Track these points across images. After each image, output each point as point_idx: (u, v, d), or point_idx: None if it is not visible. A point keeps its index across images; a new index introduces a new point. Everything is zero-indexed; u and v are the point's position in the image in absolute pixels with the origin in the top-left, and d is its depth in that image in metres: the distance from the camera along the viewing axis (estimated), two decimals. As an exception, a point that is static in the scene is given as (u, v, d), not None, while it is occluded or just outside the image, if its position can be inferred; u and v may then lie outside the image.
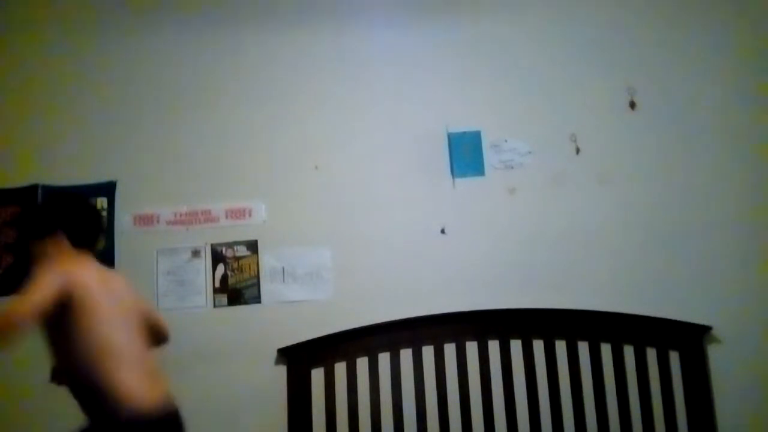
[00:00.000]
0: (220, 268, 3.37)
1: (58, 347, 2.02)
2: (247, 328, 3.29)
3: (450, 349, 3.22)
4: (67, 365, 2.03)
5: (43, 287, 1.89)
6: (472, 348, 3.22)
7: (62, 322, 1.95)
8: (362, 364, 3.22)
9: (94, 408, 1.98)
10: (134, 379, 1.99)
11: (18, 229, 2.24)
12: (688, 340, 3.16)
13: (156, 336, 2.35)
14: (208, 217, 3.42)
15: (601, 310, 3.20)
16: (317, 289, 3.33)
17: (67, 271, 2.01)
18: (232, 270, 3.37)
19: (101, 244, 2.33)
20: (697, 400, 3.11)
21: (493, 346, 3.21)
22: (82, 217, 2.24)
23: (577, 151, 3.42)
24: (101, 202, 3.44)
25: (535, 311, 3.22)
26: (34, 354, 2.16)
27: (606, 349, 3.20)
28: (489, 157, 3.43)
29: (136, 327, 2.15)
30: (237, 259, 3.38)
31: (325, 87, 3.52)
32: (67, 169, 3.48)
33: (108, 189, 3.46)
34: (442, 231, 3.37)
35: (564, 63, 3.49)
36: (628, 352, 3.19)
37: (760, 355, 3.16)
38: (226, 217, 3.42)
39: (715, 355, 3.17)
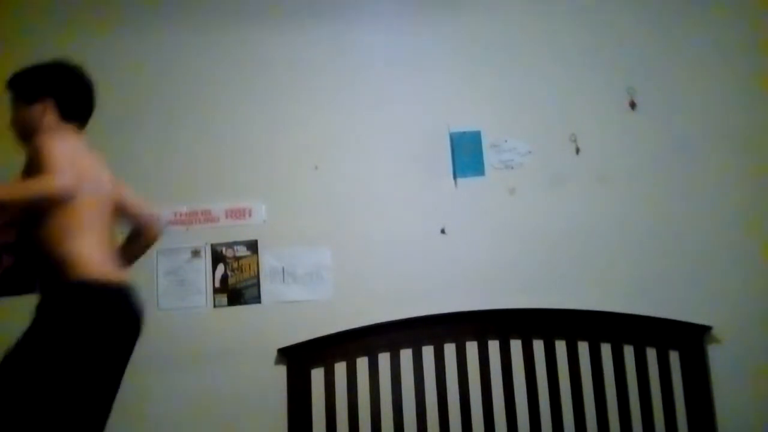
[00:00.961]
0: (220, 268, 3.37)
1: (25, 218, 1.96)
2: (247, 328, 3.29)
3: (450, 349, 3.23)
4: (26, 233, 1.98)
5: (61, 156, 1.81)
6: (472, 348, 3.22)
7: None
8: (362, 364, 3.22)
9: (48, 276, 1.93)
10: (95, 253, 1.94)
11: (7, 87, 2.13)
12: (688, 340, 3.17)
13: (138, 228, 2.29)
14: (208, 217, 3.42)
15: (601, 310, 3.20)
16: (317, 289, 3.33)
17: (64, 145, 1.90)
18: (232, 270, 3.37)
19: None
20: (697, 400, 3.11)
21: (493, 346, 3.21)
22: (76, 86, 2.11)
23: (577, 151, 3.42)
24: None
25: (535, 311, 3.22)
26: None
27: (606, 349, 3.20)
28: (489, 157, 3.43)
29: (107, 213, 2.08)
30: (237, 259, 3.38)
31: (326, 87, 3.52)
32: (67, 169, 3.48)
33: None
34: (443, 231, 3.37)
35: (564, 63, 3.49)
36: (628, 352, 3.19)
37: (760, 355, 3.16)
38: (226, 217, 3.42)
39: (715, 355, 3.17)
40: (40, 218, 1.91)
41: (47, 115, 2.04)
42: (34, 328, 1.87)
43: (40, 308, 1.92)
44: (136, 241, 2.33)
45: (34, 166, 1.86)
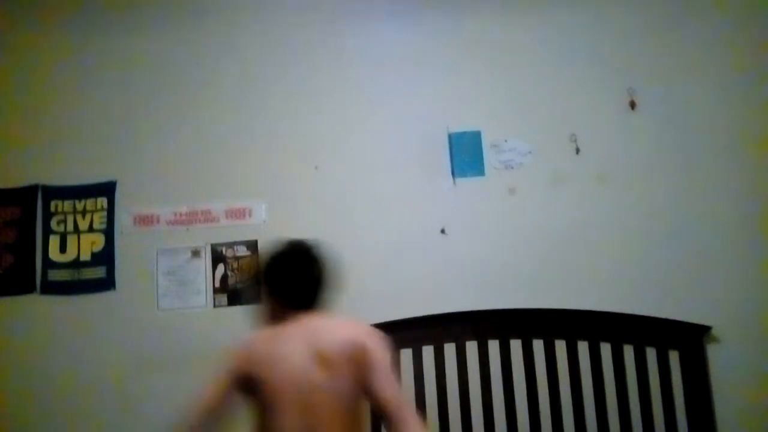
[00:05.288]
0: (220, 268, 3.37)
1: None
2: (247, 328, 3.28)
3: (450, 349, 3.22)
4: None
5: (214, 379, 1.77)
6: (472, 348, 3.22)
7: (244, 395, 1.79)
8: (362, 364, 3.21)
9: None
10: None
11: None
12: (687, 340, 3.17)
13: (384, 419, 1.87)
14: (208, 217, 3.42)
15: (601, 310, 3.20)
16: (317, 289, 3.32)
17: (244, 346, 1.83)
18: (232, 270, 3.37)
19: (323, 301, 2.00)
20: (697, 400, 3.11)
21: (493, 346, 3.21)
22: (277, 267, 1.95)
23: (577, 151, 3.42)
24: (101, 202, 3.45)
25: (535, 311, 3.22)
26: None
27: (606, 349, 3.20)
28: (489, 157, 3.43)
29: (325, 407, 1.77)
30: (237, 259, 3.38)
31: (326, 87, 3.52)
32: (67, 169, 3.48)
33: (108, 189, 3.46)
34: (442, 231, 3.37)
35: (564, 63, 3.49)
36: (628, 352, 3.19)
37: (760, 355, 3.16)
38: (226, 217, 3.42)
39: (714, 355, 3.17)
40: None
41: (268, 305, 1.96)
42: None
43: None
44: None
45: None
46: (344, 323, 1.93)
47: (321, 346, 1.81)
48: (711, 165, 3.35)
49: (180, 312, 3.31)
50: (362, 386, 1.81)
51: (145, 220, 3.42)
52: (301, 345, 1.81)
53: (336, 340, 1.83)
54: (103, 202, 3.45)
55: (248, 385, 1.77)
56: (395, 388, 1.84)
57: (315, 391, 1.77)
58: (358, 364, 1.81)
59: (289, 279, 1.93)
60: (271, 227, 3.40)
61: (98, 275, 3.39)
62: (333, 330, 1.88)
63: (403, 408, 1.84)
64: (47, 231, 3.45)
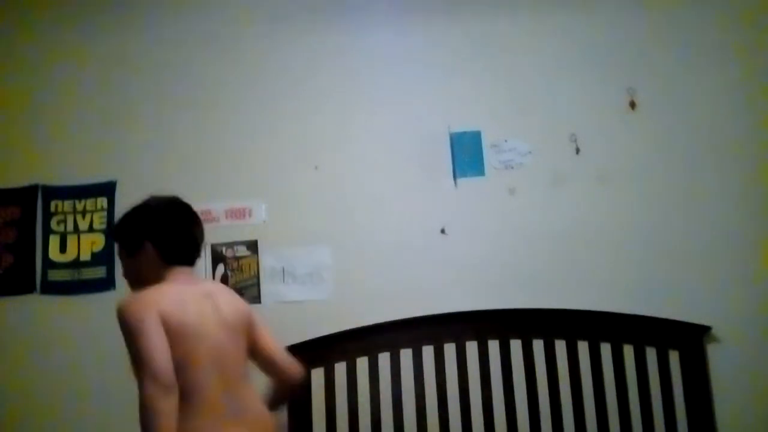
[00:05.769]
0: (220, 268, 3.38)
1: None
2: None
3: (450, 349, 3.22)
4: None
5: (149, 337, 1.70)
6: (472, 348, 3.22)
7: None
8: (362, 364, 3.22)
9: None
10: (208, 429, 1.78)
11: (115, 239, 2.06)
12: (687, 340, 3.17)
13: (274, 374, 2.11)
14: (208, 217, 3.41)
15: (601, 310, 3.20)
16: (317, 289, 3.33)
17: (153, 299, 1.80)
18: (232, 270, 3.37)
19: (198, 258, 2.04)
20: (697, 400, 3.11)
21: (493, 346, 3.21)
22: (172, 225, 1.97)
23: (577, 151, 3.42)
24: (101, 202, 3.45)
25: (535, 311, 3.22)
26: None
27: (606, 349, 3.19)
28: (489, 157, 3.43)
29: (230, 360, 1.90)
30: (237, 259, 3.38)
31: (326, 86, 3.52)
32: (67, 169, 3.49)
33: (108, 189, 3.46)
34: (443, 231, 3.37)
35: (564, 63, 3.49)
36: (628, 351, 3.19)
37: (760, 355, 3.16)
38: (226, 217, 3.42)
39: (714, 355, 3.17)
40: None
41: (150, 263, 1.93)
42: None
43: None
44: (274, 390, 2.15)
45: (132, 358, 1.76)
46: (223, 286, 2.19)
47: (223, 308, 1.97)
48: (711, 165, 3.35)
49: (180, 312, 3.31)
50: (251, 345, 2.06)
51: (145, 220, 3.41)
52: (206, 305, 1.92)
53: (232, 303, 2.03)
54: (103, 202, 3.45)
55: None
56: (276, 341, 2.15)
57: (227, 349, 1.91)
58: (248, 326, 2.05)
59: (181, 237, 1.97)
60: (271, 227, 3.40)
61: (98, 275, 3.39)
62: (224, 292, 2.06)
63: (287, 355, 2.17)
64: (47, 231, 3.45)
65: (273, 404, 2.14)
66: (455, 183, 3.41)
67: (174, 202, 2.07)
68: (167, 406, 1.67)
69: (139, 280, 1.95)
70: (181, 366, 1.77)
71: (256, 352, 2.09)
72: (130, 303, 1.80)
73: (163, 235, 1.95)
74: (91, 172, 3.47)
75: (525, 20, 3.55)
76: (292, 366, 2.15)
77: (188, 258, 2.01)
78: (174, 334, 1.78)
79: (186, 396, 1.77)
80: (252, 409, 1.95)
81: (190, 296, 1.90)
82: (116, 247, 2.07)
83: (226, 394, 1.87)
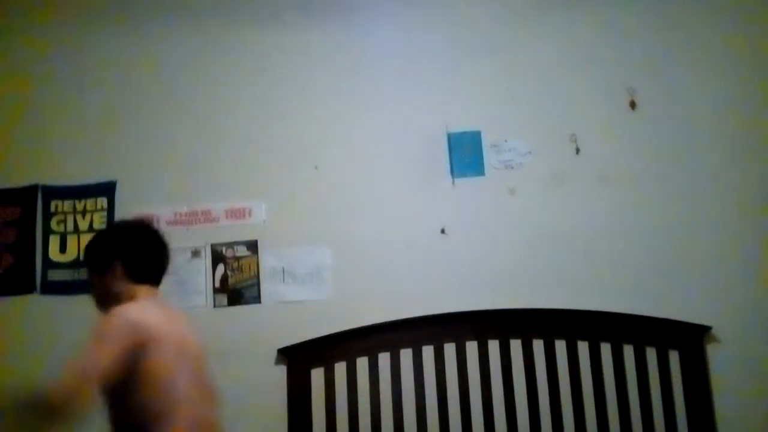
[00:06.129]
0: (220, 268, 3.37)
1: (114, 401, 1.84)
2: (247, 328, 3.29)
3: (450, 349, 3.22)
4: (118, 420, 1.86)
5: (99, 351, 1.72)
6: (472, 348, 3.22)
7: (127, 374, 1.77)
8: (362, 364, 3.22)
9: None
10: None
11: (85, 260, 2.10)
12: (687, 339, 3.17)
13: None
14: (208, 217, 3.42)
15: (601, 310, 3.20)
16: (317, 289, 3.33)
17: (134, 317, 1.83)
18: (232, 270, 3.37)
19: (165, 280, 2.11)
20: (697, 400, 3.11)
21: (493, 346, 3.21)
22: (142, 246, 2.03)
23: (577, 151, 3.42)
24: (101, 202, 3.45)
25: (535, 311, 3.22)
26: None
27: (606, 349, 3.20)
28: (489, 157, 3.43)
29: (199, 378, 1.96)
30: (237, 259, 3.38)
31: (325, 87, 3.52)
32: (67, 169, 3.49)
33: (108, 189, 3.46)
34: (442, 231, 3.37)
35: (564, 63, 3.49)
36: (628, 351, 3.19)
37: (760, 355, 3.15)
38: (226, 217, 3.42)
39: (714, 355, 3.17)
40: (121, 399, 1.81)
41: (119, 281, 1.97)
42: None
43: None
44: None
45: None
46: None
47: (183, 323, 2.04)
48: (711, 165, 3.35)
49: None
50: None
51: (145, 220, 3.41)
52: (178, 323, 2.00)
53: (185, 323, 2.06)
54: (103, 202, 3.45)
55: (136, 359, 1.78)
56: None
57: (200, 364, 2.00)
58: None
59: (149, 255, 2.04)
60: (271, 227, 3.40)
61: (98, 275, 3.39)
62: (184, 318, 2.09)
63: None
64: (47, 231, 3.45)
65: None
66: (453, 183, 3.41)
67: (142, 223, 2.16)
68: (73, 410, 1.68)
69: (107, 300, 1.98)
70: (168, 378, 1.82)
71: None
72: (124, 314, 1.83)
73: (132, 253, 2.00)
74: (91, 172, 3.47)
75: (525, 20, 3.55)
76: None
77: (156, 276, 2.06)
78: (160, 344, 1.82)
79: (171, 407, 1.82)
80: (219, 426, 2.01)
81: (168, 314, 1.97)
82: (87, 270, 2.09)
83: (203, 407, 1.93)
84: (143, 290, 1.99)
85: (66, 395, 1.66)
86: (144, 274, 2.01)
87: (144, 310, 1.88)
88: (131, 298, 1.95)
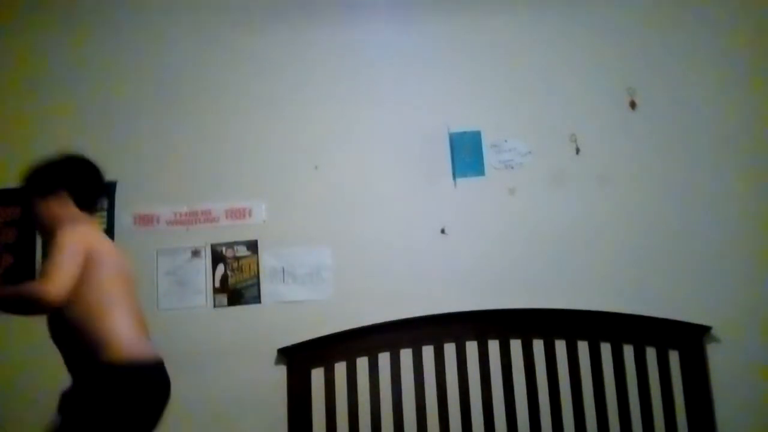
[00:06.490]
0: (220, 268, 3.37)
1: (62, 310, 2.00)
2: (247, 328, 3.29)
3: (450, 349, 3.23)
4: (62, 314, 2.01)
5: (70, 259, 1.91)
6: (472, 348, 3.22)
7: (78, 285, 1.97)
8: (362, 364, 3.22)
9: (82, 358, 1.98)
10: (125, 331, 2.02)
11: (23, 186, 2.26)
12: (687, 339, 3.17)
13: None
14: (208, 217, 3.42)
15: (601, 310, 3.20)
16: (317, 289, 3.33)
17: (83, 232, 2.03)
18: (232, 270, 3.37)
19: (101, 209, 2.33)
20: (697, 400, 3.11)
21: (493, 346, 3.21)
22: (87, 177, 2.22)
23: (577, 151, 3.42)
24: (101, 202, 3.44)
25: (535, 311, 3.22)
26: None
27: (606, 349, 3.20)
28: (489, 157, 3.43)
29: (132, 288, 2.18)
30: (237, 259, 3.38)
31: (326, 87, 3.52)
32: (67, 169, 3.48)
33: (108, 189, 3.45)
34: (443, 231, 3.37)
35: (564, 63, 3.49)
36: (628, 351, 3.19)
37: (760, 355, 3.16)
38: (226, 217, 3.42)
39: (714, 355, 3.17)
40: (70, 306, 1.96)
41: (64, 207, 2.15)
42: (73, 416, 1.95)
43: (75, 394, 1.99)
44: None
45: (47, 260, 1.96)
46: None
47: (117, 250, 2.22)
48: (711, 165, 3.35)
49: (180, 312, 3.31)
50: None
51: (145, 220, 3.42)
52: (115, 249, 2.20)
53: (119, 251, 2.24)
54: (102, 200, 3.45)
55: (86, 273, 1.99)
56: None
57: (132, 288, 2.19)
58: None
59: (92, 185, 2.23)
60: (271, 227, 3.40)
61: (98, 275, 3.39)
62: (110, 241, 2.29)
63: None
64: (47, 231, 3.44)
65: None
66: (454, 183, 3.41)
67: (83, 157, 2.29)
68: (52, 307, 1.89)
69: (51, 224, 2.11)
70: (110, 292, 2.04)
71: None
72: (77, 232, 2.02)
73: (77, 182, 2.18)
74: (91, 172, 3.46)
75: (525, 20, 3.55)
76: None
77: (95, 204, 2.26)
78: (103, 264, 2.04)
79: (115, 304, 2.04)
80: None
81: (105, 239, 2.20)
82: (26, 193, 2.23)
83: (137, 315, 2.15)
84: (83, 216, 2.17)
85: (52, 294, 1.85)
86: (86, 201, 2.20)
87: (89, 233, 2.09)
88: (73, 222, 2.09)
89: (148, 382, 2.04)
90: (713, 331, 3.17)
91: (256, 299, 3.33)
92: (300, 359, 3.23)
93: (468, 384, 3.18)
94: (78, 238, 1.99)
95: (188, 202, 3.43)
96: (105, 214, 3.43)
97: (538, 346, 3.21)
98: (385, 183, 3.42)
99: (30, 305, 1.89)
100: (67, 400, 2.00)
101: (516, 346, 3.21)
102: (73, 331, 2.00)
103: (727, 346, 3.17)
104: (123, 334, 2.01)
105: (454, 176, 3.42)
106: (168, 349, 3.21)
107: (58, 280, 1.87)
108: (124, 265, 2.18)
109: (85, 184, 2.21)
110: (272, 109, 3.51)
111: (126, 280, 2.15)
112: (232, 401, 3.22)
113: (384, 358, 3.22)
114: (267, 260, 3.36)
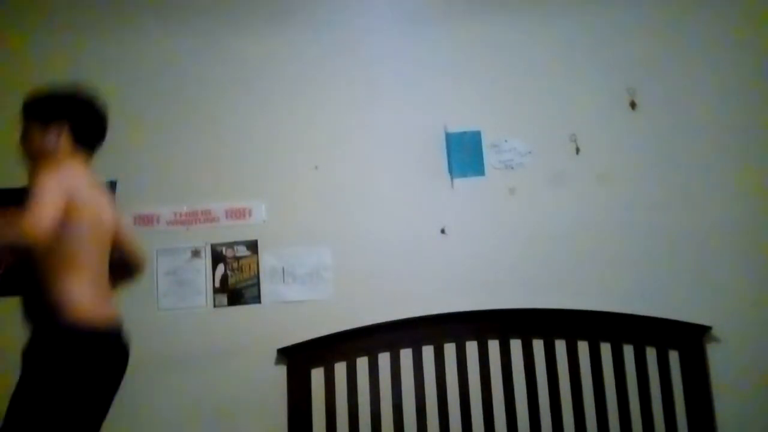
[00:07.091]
0: (220, 268, 3.38)
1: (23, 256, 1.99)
2: (247, 328, 3.29)
3: (450, 349, 3.23)
4: (29, 263, 2.00)
5: (53, 199, 1.83)
6: (472, 348, 3.22)
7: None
8: (362, 364, 3.22)
9: (41, 313, 1.97)
10: (89, 293, 1.97)
11: (23, 107, 2.16)
12: (687, 339, 3.17)
13: (127, 261, 2.29)
14: (208, 217, 3.42)
15: (601, 310, 3.20)
16: (317, 289, 3.33)
17: (70, 175, 1.94)
18: (232, 270, 3.37)
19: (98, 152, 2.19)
20: (697, 400, 3.11)
21: (493, 346, 3.22)
22: (92, 115, 2.12)
23: (577, 151, 3.42)
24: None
25: (535, 311, 3.22)
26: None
27: (606, 349, 3.20)
28: (489, 157, 3.43)
29: (107, 248, 2.11)
30: (237, 259, 3.38)
31: (325, 87, 3.52)
32: (67, 169, 3.48)
33: (108, 189, 3.45)
34: (442, 231, 3.37)
35: (564, 63, 3.49)
36: (628, 351, 3.19)
37: (760, 355, 3.16)
38: (226, 217, 3.42)
39: (714, 355, 3.17)
40: (38, 256, 1.95)
41: (61, 139, 2.05)
42: (28, 375, 1.94)
43: (32, 352, 1.97)
44: (121, 273, 2.31)
45: (29, 195, 1.88)
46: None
47: (104, 197, 2.15)
48: (711, 165, 3.35)
49: (180, 312, 3.31)
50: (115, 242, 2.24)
51: (145, 220, 3.42)
52: (100, 196, 2.11)
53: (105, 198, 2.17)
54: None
55: (65, 217, 1.91)
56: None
57: (108, 237, 2.13)
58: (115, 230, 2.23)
59: (98, 130, 2.14)
60: (271, 227, 3.40)
61: (98, 275, 3.39)
62: (100, 187, 2.17)
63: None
64: (47, 231, 3.44)
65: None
66: (451, 183, 3.41)
67: (92, 94, 2.19)
68: (36, 241, 1.82)
69: (40, 154, 2.05)
70: (82, 239, 1.97)
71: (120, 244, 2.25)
72: (62, 174, 1.93)
73: (81, 118, 2.08)
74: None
75: (525, 20, 3.55)
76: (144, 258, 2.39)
77: (93, 145, 2.14)
78: (83, 210, 1.96)
79: (83, 264, 1.99)
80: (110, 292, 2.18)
81: (93, 185, 2.08)
82: (24, 114, 2.14)
83: (104, 278, 2.09)
84: (78, 156, 2.07)
85: (33, 225, 1.79)
86: (85, 139, 2.09)
87: (75, 176, 1.98)
88: (65, 159, 2.01)
89: (105, 348, 1.99)
90: (713, 331, 3.17)
91: (256, 299, 3.34)
92: (300, 359, 3.22)
93: (468, 384, 3.18)
94: (63, 181, 1.90)
95: (188, 202, 3.43)
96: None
97: (538, 346, 3.21)
98: (385, 183, 3.42)
99: (13, 234, 1.82)
100: (24, 358, 1.98)
101: (516, 346, 3.21)
102: (38, 282, 1.98)
103: (727, 346, 3.17)
104: (85, 295, 1.96)
105: (454, 176, 3.42)
106: (168, 349, 3.25)
107: (39, 214, 1.80)
108: (105, 214, 2.10)
109: (89, 122, 2.10)
110: (272, 110, 3.51)
111: (104, 233, 2.07)
112: (232, 401, 3.22)
113: (384, 358, 3.22)
114: (267, 260, 3.36)
